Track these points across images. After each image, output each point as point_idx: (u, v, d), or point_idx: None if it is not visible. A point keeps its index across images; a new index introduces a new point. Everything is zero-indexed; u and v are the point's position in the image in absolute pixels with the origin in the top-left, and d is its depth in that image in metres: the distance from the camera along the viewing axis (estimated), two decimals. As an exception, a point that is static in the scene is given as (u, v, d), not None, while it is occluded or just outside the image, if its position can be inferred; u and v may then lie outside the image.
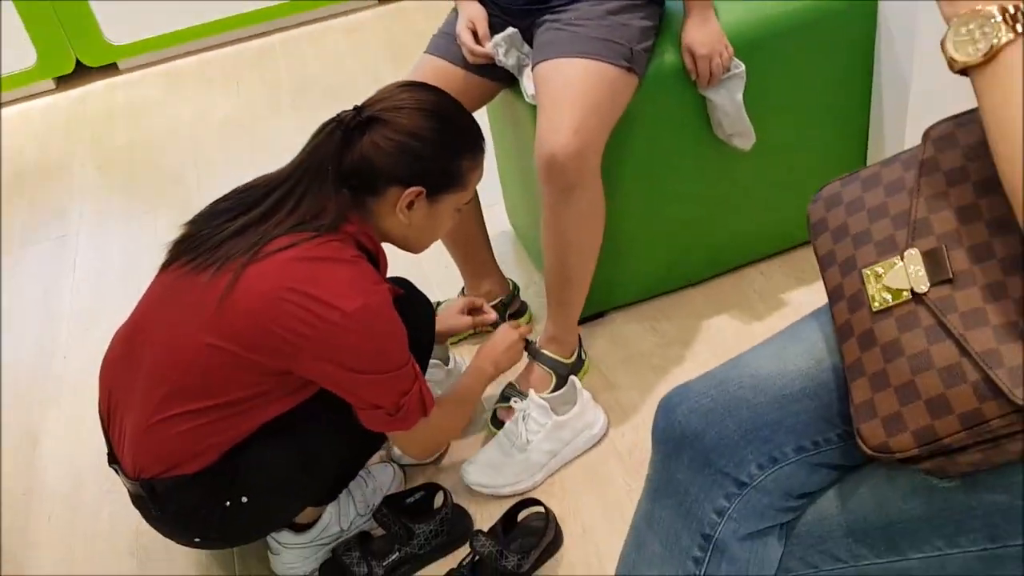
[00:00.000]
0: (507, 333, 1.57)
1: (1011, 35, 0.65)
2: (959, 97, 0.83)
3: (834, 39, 1.70)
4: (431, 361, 1.60)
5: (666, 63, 1.60)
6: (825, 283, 0.86)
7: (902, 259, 0.77)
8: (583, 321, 1.78)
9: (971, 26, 0.67)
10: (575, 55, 1.49)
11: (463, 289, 1.90)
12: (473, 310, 1.67)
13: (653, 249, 1.82)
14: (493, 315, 1.68)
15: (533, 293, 1.97)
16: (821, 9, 1.66)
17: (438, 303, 1.90)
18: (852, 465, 0.87)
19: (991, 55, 0.65)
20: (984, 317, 0.70)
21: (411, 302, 1.40)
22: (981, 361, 0.69)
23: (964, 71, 0.68)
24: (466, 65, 1.62)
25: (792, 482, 0.86)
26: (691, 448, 0.89)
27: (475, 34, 1.59)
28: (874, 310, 0.77)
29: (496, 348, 1.55)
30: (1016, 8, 0.65)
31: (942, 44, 0.69)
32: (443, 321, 1.64)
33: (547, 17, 1.55)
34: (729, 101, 1.59)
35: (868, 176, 0.87)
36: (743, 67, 1.59)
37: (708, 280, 1.93)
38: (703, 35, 1.54)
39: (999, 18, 0.65)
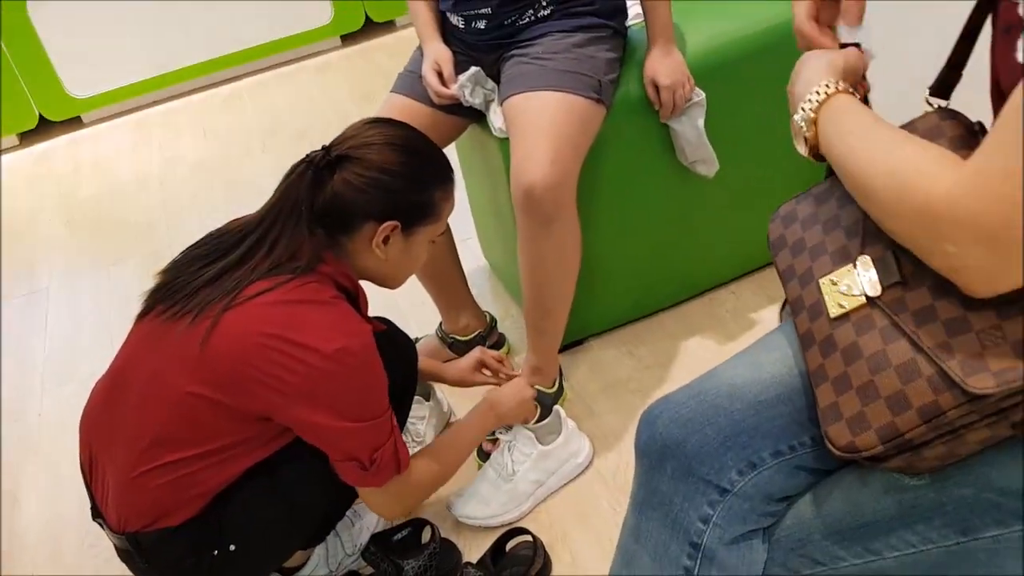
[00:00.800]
0: (521, 388, 1.55)
1: (812, 120, 0.83)
2: (913, 110, 0.87)
3: (790, 62, 1.74)
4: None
5: (631, 93, 1.63)
6: (787, 296, 0.89)
7: (855, 266, 0.81)
8: (562, 350, 1.80)
9: (794, 132, 0.86)
10: (545, 88, 1.51)
11: (441, 324, 1.91)
12: (485, 366, 1.62)
13: (626, 275, 1.84)
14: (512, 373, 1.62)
15: (510, 325, 1.98)
16: (776, 33, 1.71)
17: (417, 339, 1.91)
18: (828, 469, 0.89)
19: (812, 141, 0.84)
20: (934, 313, 0.73)
21: (392, 340, 1.40)
22: (933, 355, 0.72)
23: (818, 156, 0.85)
24: (433, 103, 1.64)
25: (771, 486, 0.88)
26: (673, 458, 0.91)
27: (440, 75, 1.62)
28: (832, 317, 0.80)
29: (507, 402, 1.51)
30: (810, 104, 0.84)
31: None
32: (438, 366, 1.63)
33: (514, 52, 1.59)
34: (691, 129, 1.63)
35: (821, 192, 0.92)
36: (704, 95, 1.63)
37: (681, 303, 1.96)
38: (665, 67, 1.58)
39: (800, 120, 0.84)
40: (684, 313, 1.94)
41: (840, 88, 0.83)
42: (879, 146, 0.74)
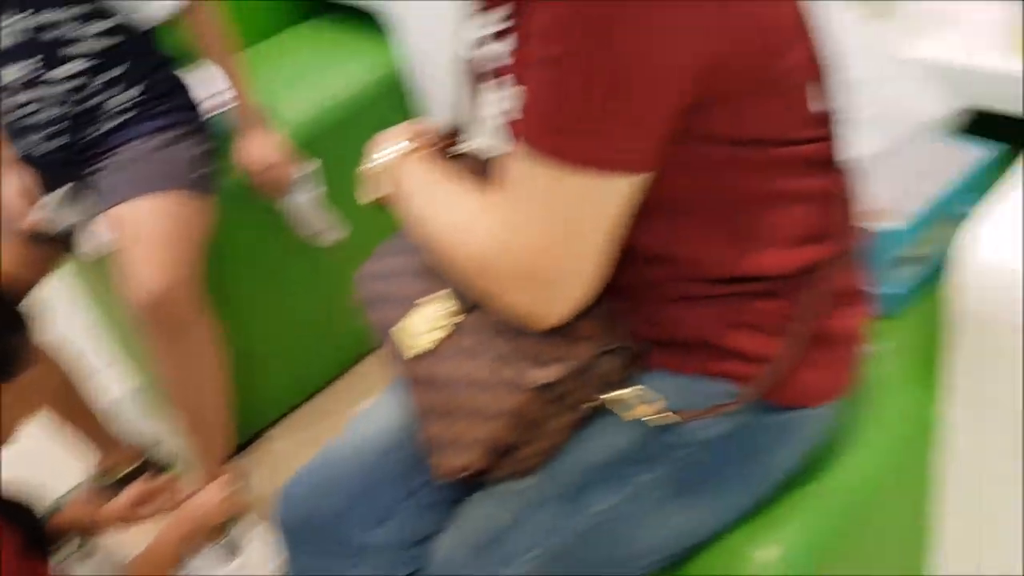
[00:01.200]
0: (215, 489, 1.41)
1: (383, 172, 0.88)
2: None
3: (395, 114, 1.81)
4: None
5: (235, 181, 1.61)
6: (383, 349, 0.92)
7: (427, 306, 0.86)
8: (238, 451, 1.72)
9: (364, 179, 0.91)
10: (143, 193, 1.46)
11: (98, 462, 1.74)
12: (148, 497, 1.42)
13: (284, 358, 1.81)
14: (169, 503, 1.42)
15: (171, 445, 1.85)
16: (377, 89, 1.77)
17: (78, 485, 1.73)
18: (456, 498, 0.92)
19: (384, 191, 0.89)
20: (502, 328, 0.79)
21: (8, 510, 1.25)
22: (504, 363, 0.78)
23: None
24: (22, 234, 1.50)
25: (406, 531, 0.92)
26: (309, 529, 0.93)
27: (25, 202, 1.48)
28: (419, 355, 0.85)
29: (202, 506, 1.35)
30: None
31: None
32: (94, 515, 1.47)
33: (98, 165, 1.51)
34: (303, 203, 1.64)
35: (393, 246, 0.97)
36: (314, 165, 1.64)
37: (350, 368, 1.95)
38: (259, 150, 1.58)
39: (374, 168, 0.88)
40: (355, 378, 1.94)
41: (415, 148, 0.88)
42: (432, 210, 0.80)
